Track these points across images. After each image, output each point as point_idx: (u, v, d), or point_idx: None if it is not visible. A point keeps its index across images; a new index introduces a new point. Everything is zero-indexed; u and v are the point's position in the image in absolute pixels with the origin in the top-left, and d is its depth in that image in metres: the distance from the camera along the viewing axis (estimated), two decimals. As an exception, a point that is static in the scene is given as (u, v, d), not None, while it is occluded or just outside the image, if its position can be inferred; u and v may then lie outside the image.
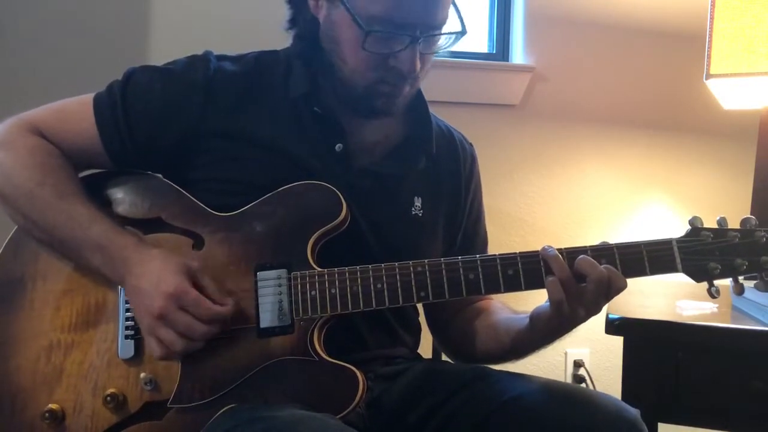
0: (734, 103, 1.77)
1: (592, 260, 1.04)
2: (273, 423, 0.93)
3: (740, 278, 1.08)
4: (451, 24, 1.14)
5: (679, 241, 1.07)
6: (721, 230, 1.07)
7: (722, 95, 1.76)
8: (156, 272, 1.04)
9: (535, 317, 1.10)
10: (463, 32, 1.15)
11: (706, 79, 1.68)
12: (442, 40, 1.15)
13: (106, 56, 1.84)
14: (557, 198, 2.25)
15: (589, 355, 2.25)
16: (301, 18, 1.22)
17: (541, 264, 1.06)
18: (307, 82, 1.19)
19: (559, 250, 1.06)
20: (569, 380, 2.25)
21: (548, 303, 1.06)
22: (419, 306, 1.33)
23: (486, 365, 1.25)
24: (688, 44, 2.15)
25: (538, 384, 1.13)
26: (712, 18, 1.66)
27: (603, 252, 1.06)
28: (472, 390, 1.14)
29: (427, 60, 1.16)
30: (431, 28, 1.11)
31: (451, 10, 1.14)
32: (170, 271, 1.05)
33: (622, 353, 1.49)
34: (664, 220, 2.27)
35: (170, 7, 1.93)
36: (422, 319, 1.36)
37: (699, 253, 1.06)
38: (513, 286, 1.07)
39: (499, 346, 1.22)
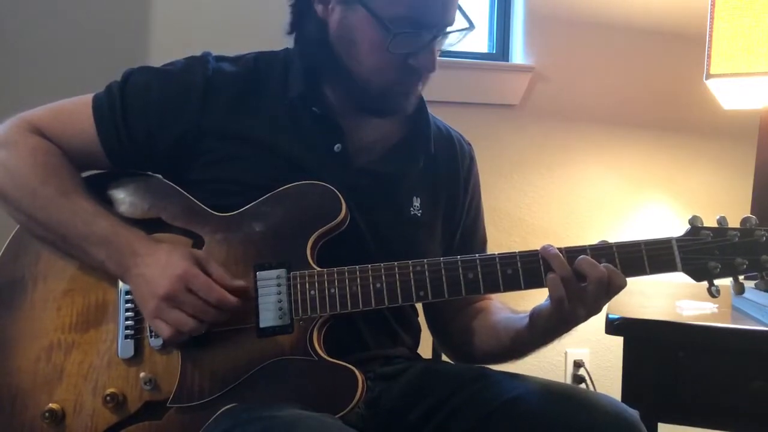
0: (734, 103, 1.77)
1: (592, 260, 1.04)
2: (272, 423, 0.93)
3: (740, 277, 1.07)
4: (457, 21, 1.16)
5: (678, 240, 1.07)
6: (721, 229, 1.06)
7: (722, 95, 1.76)
8: (164, 258, 1.05)
9: (536, 315, 1.10)
10: (472, 28, 1.16)
11: (706, 79, 1.68)
12: (453, 37, 1.16)
13: (106, 56, 1.84)
14: (557, 198, 2.25)
15: (589, 355, 2.25)
16: (306, 21, 1.21)
17: (541, 263, 1.06)
18: (305, 82, 1.19)
19: (559, 249, 1.06)
20: (569, 380, 2.25)
21: (548, 301, 1.06)
22: (418, 306, 1.33)
23: (485, 365, 1.24)
24: (688, 44, 2.15)
25: (538, 385, 1.13)
26: (712, 18, 1.66)
27: (602, 251, 1.06)
28: (471, 390, 1.14)
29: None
30: (448, 25, 1.13)
31: None
32: (178, 256, 1.05)
33: (622, 353, 1.49)
34: (664, 220, 2.27)
35: (170, 7, 1.93)
36: (422, 319, 1.36)
37: (699, 253, 1.06)
38: (512, 285, 1.07)
39: (499, 345, 1.22)
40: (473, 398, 1.13)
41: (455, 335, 1.31)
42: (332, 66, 1.18)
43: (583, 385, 2.20)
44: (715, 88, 1.73)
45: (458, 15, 1.15)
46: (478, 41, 2.34)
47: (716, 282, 1.07)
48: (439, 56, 1.23)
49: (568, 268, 1.04)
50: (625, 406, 1.08)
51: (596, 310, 1.07)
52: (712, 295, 1.06)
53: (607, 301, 1.06)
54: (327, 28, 1.17)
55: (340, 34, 1.16)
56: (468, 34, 1.17)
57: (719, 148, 2.27)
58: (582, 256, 1.05)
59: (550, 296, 1.05)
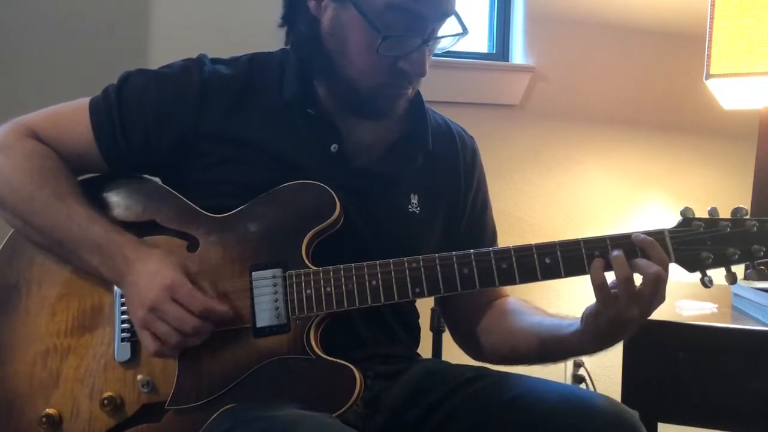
0: (734, 103, 1.78)
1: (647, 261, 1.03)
2: (271, 423, 0.93)
3: (732, 268, 1.07)
4: (451, 26, 1.14)
5: (671, 231, 1.08)
6: (713, 220, 1.07)
7: (722, 95, 1.76)
8: (154, 267, 1.05)
9: (585, 319, 1.08)
10: (464, 33, 1.15)
11: (706, 79, 1.68)
12: (446, 42, 1.16)
13: (106, 58, 1.84)
14: (557, 198, 2.25)
15: (589, 355, 2.24)
16: (298, 18, 1.21)
17: (536, 257, 1.06)
18: (300, 84, 1.19)
19: (553, 242, 1.07)
20: (569, 380, 2.24)
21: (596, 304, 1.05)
22: (417, 307, 1.32)
23: (485, 365, 1.24)
24: (688, 44, 2.15)
25: (538, 385, 1.12)
26: (712, 18, 1.66)
27: (596, 244, 1.06)
28: (470, 390, 1.14)
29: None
30: (446, 14, 1.12)
31: None
32: (168, 265, 1.06)
33: (622, 353, 1.48)
34: (663, 220, 2.26)
35: (170, 8, 1.93)
36: (422, 320, 1.35)
37: (691, 243, 1.06)
38: (507, 279, 1.07)
39: (539, 348, 1.19)
40: (472, 398, 1.13)
41: (482, 336, 1.28)
42: (323, 65, 1.18)
43: (583, 385, 2.20)
44: (715, 88, 1.73)
45: (452, 20, 1.14)
46: (478, 41, 2.34)
47: (709, 273, 1.06)
48: (439, 56, 1.24)
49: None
50: (624, 406, 1.07)
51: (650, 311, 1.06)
52: (705, 285, 1.06)
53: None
54: (319, 25, 1.17)
55: (332, 32, 1.15)
56: (461, 38, 1.16)
57: (719, 148, 2.27)
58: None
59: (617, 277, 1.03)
